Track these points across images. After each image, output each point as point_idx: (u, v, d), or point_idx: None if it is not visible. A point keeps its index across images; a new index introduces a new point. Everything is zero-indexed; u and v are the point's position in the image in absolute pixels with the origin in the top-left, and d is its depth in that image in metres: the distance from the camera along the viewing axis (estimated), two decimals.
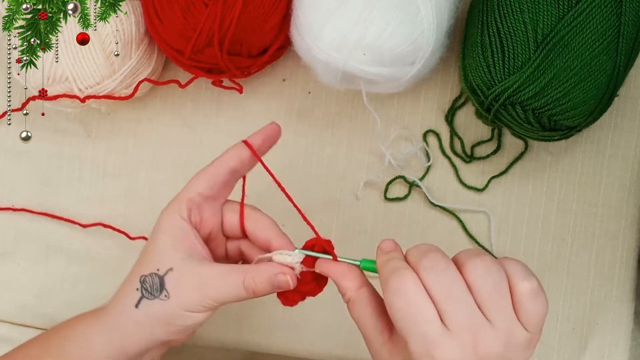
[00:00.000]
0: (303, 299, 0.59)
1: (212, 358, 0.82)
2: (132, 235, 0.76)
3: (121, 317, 0.57)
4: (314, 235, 0.59)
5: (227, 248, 0.61)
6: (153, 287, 0.56)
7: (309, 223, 0.58)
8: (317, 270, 0.57)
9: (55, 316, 0.76)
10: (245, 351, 0.76)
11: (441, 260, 0.50)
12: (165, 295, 0.55)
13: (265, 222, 0.59)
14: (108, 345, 0.57)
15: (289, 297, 0.58)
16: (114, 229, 0.76)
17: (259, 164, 0.60)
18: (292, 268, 0.57)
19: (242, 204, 0.60)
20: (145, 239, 0.75)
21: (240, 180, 0.60)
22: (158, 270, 0.56)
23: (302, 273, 0.57)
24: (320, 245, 0.58)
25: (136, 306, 0.56)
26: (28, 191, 0.77)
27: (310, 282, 0.58)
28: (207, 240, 0.60)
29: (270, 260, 0.57)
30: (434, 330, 0.48)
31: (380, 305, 0.54)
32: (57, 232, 0.76)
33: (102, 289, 0.76)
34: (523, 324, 0.49)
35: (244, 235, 0.60)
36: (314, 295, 0.59)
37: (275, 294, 0.58)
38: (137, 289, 0.56)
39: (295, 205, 0.59)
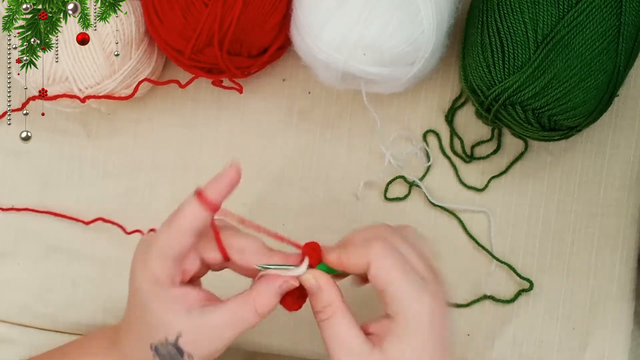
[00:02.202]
0: (305, 302, 0.59)
1: None
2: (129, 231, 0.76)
3: None
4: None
5: (210, 268, 0.59)
6: (171, 354, 0.55)
7: (281, 237, 0.58)
8: (308, 281, 0.57)
9: (55, 316, 0.76)
10: (245, 351, 0.76)
11: (393, 229, 0.59)
12: (189, 357, 0.55)
13: (250, 249, 0.57)
14: None
15: (291, 301, 0.58)
16: (114, 223, 0.75)
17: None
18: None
19: (220, 247, 0.56)
20: (141, 232, 0.75)
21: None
22: (167, 338, 0.55)
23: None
24: (314, 255, 0.57)
25: None
26: (28, 191, 0.77)
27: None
28: (195, 275, 0.58)
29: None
30: (418, 277, 0.56)
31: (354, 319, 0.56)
32: (57, 231, 0.76)
33: (102, 289, 0.76)
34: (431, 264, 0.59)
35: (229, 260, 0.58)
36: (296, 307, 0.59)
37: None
38: (154, 357, 0.55)
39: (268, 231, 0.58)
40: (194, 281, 0.58)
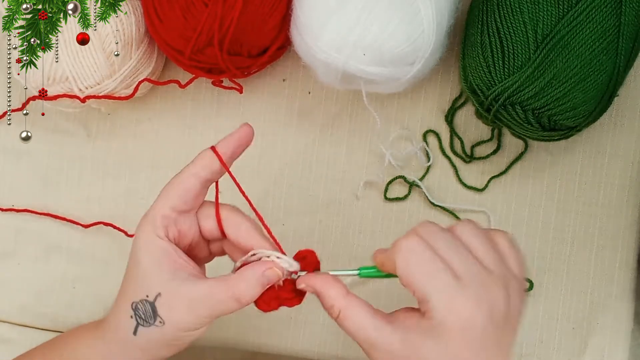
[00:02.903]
0: (278, 307, 0.57)
1: (212, 358, 0.82)
2: (131, 234, 0.76)
3: (123, 344, 0.57)
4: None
5: (210, 248, 0.60)
6: (146, 314, 0.55)
7: (273, 238, 0.57)
8: (299, 286, 0.56)
9: (55, 316, 0.76)
10: (245, 351, 0.76)
11: (436, 226, 0.55)
12: (160, 322, 0.55)
13: (246, 226, 0.57)
14: None
15: (266, 300, 0.57)
16: (114, 227, 0.75)
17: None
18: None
19: (217, 212, 0.57)
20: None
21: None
22: (147, 296, 0.55)
23: (285, 280, 0.56)
24: (311, 260, 0.57)
25: (134, 334, 0.56)
26: (28, 191, 0.77)
27: (291, 292, 0.57)
28: (189, 249, 0.58)
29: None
30: (452, 281, 0.51)
31: (371, 307, 0.54)
32: (57, 232, 0.76)
33: (102, 289, 0.76)
34: (508, 266, 0.54)
35: (225, 236, 0.58)
36: (291, 306, 0.57)
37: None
38: (132, 316, 0.56)
39: (259, 216, 0.57)
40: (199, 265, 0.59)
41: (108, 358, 0.58)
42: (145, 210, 0.75)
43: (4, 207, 0.76)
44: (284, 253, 0.56)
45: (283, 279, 0.56)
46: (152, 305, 0.55)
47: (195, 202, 0.57)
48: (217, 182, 0.57)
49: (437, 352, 0.51)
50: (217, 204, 0.58)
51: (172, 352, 0.57)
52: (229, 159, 0.57)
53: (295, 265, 0.56)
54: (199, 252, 0.59)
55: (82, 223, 0.76)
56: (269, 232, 0.57)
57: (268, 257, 0.56)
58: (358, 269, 0.57)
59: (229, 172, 0.57)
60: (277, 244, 0.57)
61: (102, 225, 0.76)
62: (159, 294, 0.55)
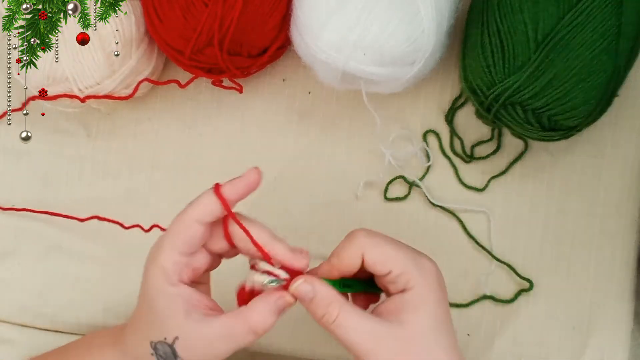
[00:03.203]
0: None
1: None
2: (122, 239, 0.76)
3: None
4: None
5: (220, 257, 0.60)
6: (167, 355, 0.56)
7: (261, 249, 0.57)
8: (295, 292, 0.56)
9: (55, 316, 0.76)
10: (245, 351, 0.76)
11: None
12: None
13: (255, 235, 0.57)
14: None
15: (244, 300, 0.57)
16: (109, 220, 0.75)
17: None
18: (277, 276, 0.56)
19: (227, 235, 0.57)
20: (140, 227, 0.75)
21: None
22: (165, 339, 0.55)
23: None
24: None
25: None
26: (28, 191, 0.77)
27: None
28: (207, 269, 0.59)
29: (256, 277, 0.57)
30: (410, 250, 0.57)
31: (365, 313, 0.56)
32: (57, 232, 0.76)
33: (102, 289, 0.76)
34: None
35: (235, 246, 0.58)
36: None
37: (236, 294, 0.58)
38: (152, 354, 0.56)
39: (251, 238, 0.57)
40: (205, 278, 0.59)
41: None
42: (145, 210, 0.76)
43: (4, 207, 0.76)
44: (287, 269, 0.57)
45: (270, 286, 0.57)
46: (172, 347, 0.55)
47: (202, 242, 0.57)
48: (225, 216, 0.57)
49: (428, 317, 0.55)
50: (228, 239, 0.57)
51: None
52: (233, 203, 0.56)
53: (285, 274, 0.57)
54: (210, 266, 0.59)
55: (78, 217, 0.76)
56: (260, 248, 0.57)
57: (267, 271, 0.56)
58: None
59: (235, 219, 0.56)
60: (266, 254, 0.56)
61: (102, 226, 0.76)
62: (177, 338, 0.55)
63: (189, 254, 0.56)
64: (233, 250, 0.58)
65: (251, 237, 0.56)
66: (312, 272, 0.58)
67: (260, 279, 0.56)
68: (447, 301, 0.57)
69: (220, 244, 0.57)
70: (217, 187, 0.56)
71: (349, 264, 0.57)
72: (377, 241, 0.57)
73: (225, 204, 0.55)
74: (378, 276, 0.57)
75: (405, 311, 0.55)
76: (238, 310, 0.56)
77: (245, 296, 0.57)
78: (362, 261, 0.57)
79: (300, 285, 0.56)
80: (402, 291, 0.56)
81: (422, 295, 0.56)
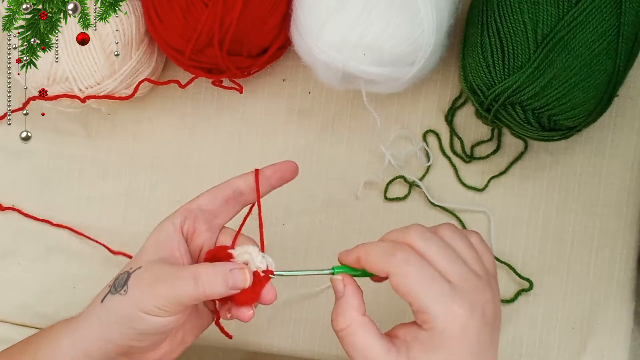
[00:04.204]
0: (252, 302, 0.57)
1: (212, 358, 0.82)
2: (121, 239, 0.76)
3: (88, 315, 0.57)
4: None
5: None
6: (119, 282, 0.55)
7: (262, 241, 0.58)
8: (333, 282, 0.56)
9: (55, 316, 0.76)
10: (245, 351, 0.76)
11: (427, 230, 0.56)
12: (125, 291, 0.54)
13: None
14: (73, 347, 0.56)
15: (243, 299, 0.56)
16: (96, 241, 0.76)
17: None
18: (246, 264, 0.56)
19: (236, 238, 0.59)
20: (127, 255, 0.76)
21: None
22: (131, 268, 0.56)
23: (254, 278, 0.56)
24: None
25: (102, 301, 0.56)
26: (28, 191, 0.77)
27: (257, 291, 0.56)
28: (198, 258, 0.59)
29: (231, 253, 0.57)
30: (447, 289, 0.52)
31: (378, 329, 0.55)
32: (57, 232, 0.76)
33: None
34: (486, 266, 0.57)
35: None
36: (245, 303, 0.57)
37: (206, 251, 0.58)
38: (109, 285, 0.56)
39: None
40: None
41: (72, 334, 0.57)
42: (146, 210, 0.76)
43: (4, 207, 0.76)
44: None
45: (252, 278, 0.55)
46: (128, 275, 0.55)
47: (221, 205, 0.59)
48: (252, 206, 0.60)
49: (442, 358, 0.52)
50: (243, 223, 0.59)
51: (122, 339, 0.54)
52: (267, 186, 0.59)
53: (269, 264, 0.56)
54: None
55: (72, 228, 0.77)
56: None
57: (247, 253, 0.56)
58: (331, 268, 0.57)
59: (257, 189, 0.59)
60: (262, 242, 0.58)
61: (104, 227, 0.76)
62: (139, 267, 0.55)
63: (204, 209, 0.58)
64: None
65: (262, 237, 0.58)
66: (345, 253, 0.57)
67: (247, 257, 0.56)
68: (475, 343, 0.53)
69: (227, 242, 0.59)
70: (256, 170, 0.59)
71: (373, 269, 0.55)
72: (407, 269, 0.53)
73: (256, 177, 0.59)
74: None
75: (416, 350, 0.53)
76: (194, 266, 0.54)
77: (215, 256, 0.57)
78: (388, 279, 0.54)
79: (337, 280, 0.56)
80: (419, 326, 0.53)
81: (436, 341, 0.52)
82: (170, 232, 0.57)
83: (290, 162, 0.60)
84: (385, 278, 0.56)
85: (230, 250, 0.57)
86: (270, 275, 0.56)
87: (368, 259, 0.55)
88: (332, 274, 0.57)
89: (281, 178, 0.60)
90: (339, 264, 0.58)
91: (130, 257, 0.75)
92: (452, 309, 0.52)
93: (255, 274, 0.55)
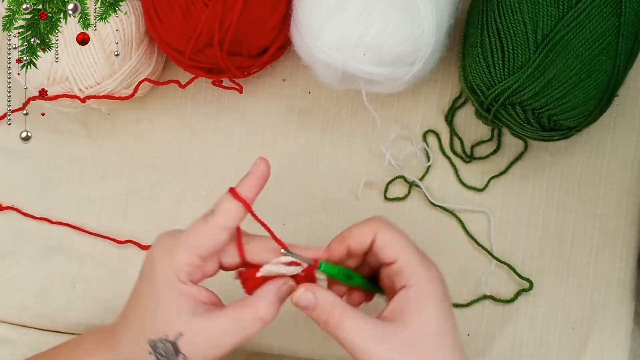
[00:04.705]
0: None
1: None
2: (121, 239, 0.76)
3: None
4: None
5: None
6: (167, 352, 0.55)
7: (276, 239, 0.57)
8: (297, 302, 0.57)
9: (55, 316, 0.76)
10: (245, 351, 0.76)
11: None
12: (183, 358, 0.55)
13: (265, 248, 0.57)
14: None
15: (252, 287, 0.57)
16: (101, 236, 0.76)
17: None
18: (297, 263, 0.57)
19: (241, 252, 0.57)
20: (133, 242, 0.75)
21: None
22: (167, 336, 0.55)
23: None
24: (309, 273, 0.57)
25: None
26: (28, 191, 0.77)
27: None
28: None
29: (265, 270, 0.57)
30: (420, 250, 0.58)
31: (367, 316, 0.56)
32: (57, 232, 0.76)
33: (102, 289, 0.76)
34: None
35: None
36: None
37: (240, 278, 0.58)
38: (150, 353, 0.55)
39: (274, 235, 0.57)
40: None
41: None
42: (146, 210, 0.76)
43: (4, 207, 0.76)
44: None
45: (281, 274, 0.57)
46: (174, 344, 0.55)
47: (223, 246, 0.57)
48: (238, 228, 0.57)
49: (433, 316, 0.55)
50: (240, 247, 0.57)
51: None
52: (252, 201, 0.57)
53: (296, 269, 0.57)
54: (212, 273, 0.59)
55: (76, 226, 0.76)
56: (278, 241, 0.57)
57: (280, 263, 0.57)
58: (321, 263, 0.58)
59: (258, 220, 0.57)
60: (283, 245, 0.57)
61: (105, 227, 0.76)
62: (181, 334, 0.54)
63: (205, 258, 0.56)
64: (238, 263, 0.58)
65: (272, 233, 0.56)
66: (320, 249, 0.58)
67: (276, 269, 0.56)
68: (450, 302, 0.57)
69: (232, 259, 0.57)
70: (233, 191, 0.56)
71: (359, 241, 0.57)
72: (391, 228, 0.57)
73: (247, 206, 0.55)
74: (384, 265, 0.57)
75: (409, 311, 0.55)
76: (243, 301, 0.56)
77: (257, 283, 0.57)
78: (373, 243, 0.57)
79: (302, 294, 0.56)
80: (405, 287, 0.56)
81: (426, 294, 0.55)
82: (187, 289, 0.55)
83: (262, 165, 0.57)
84: (371, 294, 0.60)
85: (259, 275, 0.57)
86: (312, 264, 0.57)
87: (353, 234, 0.58)
88: (319, 268, 0.57)
89: (261, 187, 0.57)
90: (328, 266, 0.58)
91: (137, 244, 0.75)
92: (429, 264, 0.57)
93: (296, 277, 0.57)
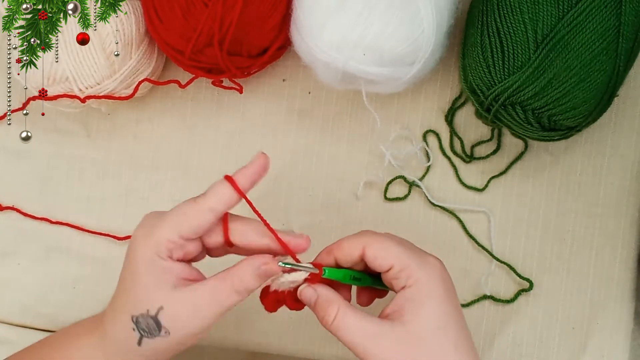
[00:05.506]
0: (278, 308, 0.59)
1: (212, 358, 0.82)
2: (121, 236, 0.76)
3: (125, 354, 0.57)
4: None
5: (208, 250, 0.60)
6: (150, 327, 0.55)
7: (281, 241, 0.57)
8: (300, 297, 0.58)
9: (55, 316, 0.76)
10: (245, 351, 0.76)
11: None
12: (166, 332, 0.55)
13: (252, 230, 0.57)
14: None
15: (271, 302, 0.58)
16: (101, 234, 0.76)
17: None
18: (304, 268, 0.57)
19: (226, 235, 0.57)
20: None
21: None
22: (148, 311, 0.55)
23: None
24: (313, 280, 0.58)
25: (139, 344, 0.56)
26: (28, 191, 0.77)
27: (296, 299, 0.59)
28: (192, 260, 0.59)
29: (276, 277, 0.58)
30: (415, 249, 0.59)
31: (365, 313, 0.56)
32: (57, 232, 0.76)
33: (102, 289, 0.76)
34: None
35: (232, 246, 0.59)
36: (293, 309, 0.59)
37: (259, 298, 0.59)
38: (134, 329, 0.56)
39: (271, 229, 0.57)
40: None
41: None
42: (146, 210, 0.76)
43: (4, 206, 0.77)
44: (293, 255, 0.57)
45: (293, 286, 0.58)
46: (155, 319, 0.55)
47: (206, 231, 0.57)
48: (226, 214, 0.57)
49: (432, 315, 0.55)
50: (225, 226, 0.57)
51: (175, 355, 0.57)
52: (246, 190, 0.57)
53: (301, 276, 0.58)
54: (195, 258, 0.59)
55: (75, 225, 0.76)
56: (278, 238, 0.57)
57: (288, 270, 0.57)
58: (324, 269, 0.58)
59: (252, 206, 0.57)
60: (287, 247, 0.57)
61: (105, 227, 0.76)
62: (161, 307, 0.55)
63: (187, 239, 0.56)
64: (224, 248, 0.58)
65: (266, 222, 0.56)
66: (318, 259, 0.59)
67: (284, 279, 0.57)
68: (455, 297, 0.57)
69: (215, 239, 0.57)
70: (228, 177, 0.56)
71: (347, 253, 0.58)
72: (380, 238, 0.58)
73: (239, 191, 0.56)
74: (382, 273, 0.58)
75: (408, 310, 0.55)
76: (221, 274, 0.56)
77: (271, 298, 0.58)
78: (364, 256, 0.57)
79: (304, 289, 0.57)
80: (404, 287, 0.56)
81: (424, 292, 0.56)
82: (165, 265, 0.55)
83: (262, 159, 0.57)
84: (384, 291, 0.60)
85: (272, 289, 0.58)
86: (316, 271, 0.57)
87: (342, 247, 0.58)
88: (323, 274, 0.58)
89: (257, 180, 0.57)
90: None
91: None
92: (427, 260, 0.57)
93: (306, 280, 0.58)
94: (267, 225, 0.57)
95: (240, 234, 0.57)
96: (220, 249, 0.59)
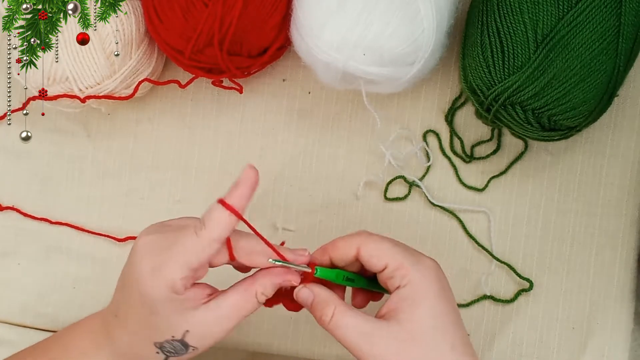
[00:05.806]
0: (273, 304, 0.60)
1: (212, 358, 0.82)
2: (121, 237, 0.76)
3: None
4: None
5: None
6: (176, 348, 0.56)
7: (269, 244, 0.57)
8: (296, 298, 0.58)
9: (55, 316, 0.76)
10: (245, 351, 0.76)
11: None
12: (194, 349, 0.56)
13: (257, 249, 0.57)
14: None
15: (271, 298, 0.59)
16: (101, 234, 0.76)
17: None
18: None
19: (230, 253, 0.57)
20: (133, 239, 0.75)
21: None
22: (173, 337, 0.55)
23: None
24: (307, 279, 0.59)
25: None
26: (28, 191, 0.77)
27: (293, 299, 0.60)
28: None
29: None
30: (408, 247, 0.59)
31: (362, 314, 0.57)
32: (57, 232, 0.76)
33: (102, 289, 0.76)
34: None
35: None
36: (293, 310, 0.61)
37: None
38: (157, 352, 0.56)
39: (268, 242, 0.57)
40: None
41: None
42: (146, 210, 0.76)
43: (4, 207, 0.77)
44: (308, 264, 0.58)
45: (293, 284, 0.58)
46: (182, 341, 0.55)
47: (215, 256, 0.56)
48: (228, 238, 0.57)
49: (427, 314, 0.55)
50: (229, 248, 0.56)
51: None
52: (243, 210, 0.55)
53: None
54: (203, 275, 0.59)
55: (76, 225, 0.76)
56: (281, 257, 0.57)
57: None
58: (317, 268, 0.58)
59: (252, 228, 0.56)
60: (282, 256, 0.57)
61: (104, 227, 0.76)
62: (187, 331, 0.55)
63: (197, 269, 0.55)
64: (227, 261, 0.58)
65: (267, 242, 0.56)
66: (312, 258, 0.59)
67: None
68: (451, 297, 0.57)
69: (221, 260, 0.57)
70: (223, 202, 0.55)
71: (342, 252, 0.58)
72: (374, 238, 0.58)
73: (239, 215, 0.55)
74: (378, 273, 0.58)
75: (403, 309, 0.55)
76: (242, 285, 0.57)
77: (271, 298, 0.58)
78: (359, 255, 0.57)
79: (300, 290, 0.58)
80: (399, 287, 0.56)
81: (419, 291, 0.56)
82: (183, 298, 0.55)
83: (250, 173, 0.56)
84: (378, 293, 0.61)
85: None
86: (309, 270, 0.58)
87: (337, 246, 0.58)
88: (315, 274, 0.58)
89: (251, 196, 0.56)
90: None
91: None
92: (421, 260, 0.57)
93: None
94: (271, 247, 0.57)
95: (246, 253, 0.57)
96: (223, 264, 0.58)
